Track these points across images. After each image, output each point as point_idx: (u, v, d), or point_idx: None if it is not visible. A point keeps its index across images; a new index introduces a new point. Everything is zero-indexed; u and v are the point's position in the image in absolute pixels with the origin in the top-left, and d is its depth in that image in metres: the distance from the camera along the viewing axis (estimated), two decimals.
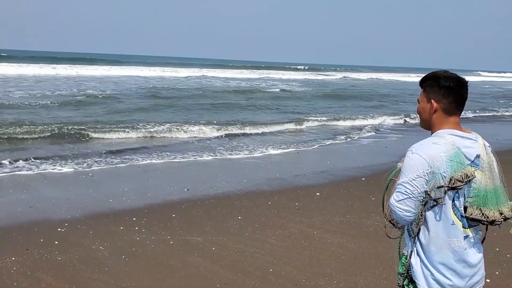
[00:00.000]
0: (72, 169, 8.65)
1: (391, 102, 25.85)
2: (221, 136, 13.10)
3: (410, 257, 2.21)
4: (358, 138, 13.76)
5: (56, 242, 5.15)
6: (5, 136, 11.27)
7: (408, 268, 2.23)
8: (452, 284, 2.11)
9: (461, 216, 2.12)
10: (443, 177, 2.05)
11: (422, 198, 2.09)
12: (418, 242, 2.17)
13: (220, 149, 11.22)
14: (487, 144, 2.20)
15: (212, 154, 10.51)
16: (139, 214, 6.11)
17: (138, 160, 9.64)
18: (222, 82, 36.51)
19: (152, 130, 13.10)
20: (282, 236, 5.44)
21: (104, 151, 10.32)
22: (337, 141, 12.98)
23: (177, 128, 13.44)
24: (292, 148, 11.65)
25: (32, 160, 9.08)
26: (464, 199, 2.11)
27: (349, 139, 13.37)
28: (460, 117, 2.23)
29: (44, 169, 8.55)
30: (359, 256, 4.91)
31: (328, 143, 12.66)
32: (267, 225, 5.82)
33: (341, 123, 16.58)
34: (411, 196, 2.09)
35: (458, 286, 2.12)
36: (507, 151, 10.61)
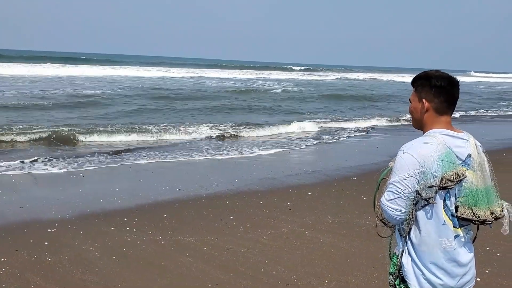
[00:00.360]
0: (63, 169, 8.58)
1: (388, 102, 25.86)
2: (215, 136, 13.02)
3: (401, 257, 2.22)
4: (349, 138, 13.80)
5: (46, 243, 5.10)
6: None
7: (400, 267, 2.23)
8: (443, 284, 2.12)
9: (452, 215, 2.12)
10: (434, 176, 2.05)
11: (413, 197, 2.09)
12: (409, 242, 2.17)
13: (212, 149, 11.21)
14: (479, 144, 2.20)
15: (204, 154, 10.49)
16: (130, 215, 6.07)
17: (129, 160, 9.60)
18: (220, 82, 36.14)
19: (146, 130, 13.02)
20: (273, 236, 5.44)
21: (95, 152, 10.26)
22: (329, 141, 13.02)
23: (173, 129, 13.39)
24: (284, 148, 11.65)
25: (22, 160, 8.99)
26: (455, 198, 2.11)
27: (341, 139, 13.41)
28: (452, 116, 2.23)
29: (34, 169, 8.48)
30: (351, 256, 4.91)
31: (320, 143, 12.69)
32: (258, 225, 5.81)
33: (335, 124, 16.42)
34: (402, 195, 2.09)
35: (449, 285, 2.13)
36: (496, 150, 10.69)
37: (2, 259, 4.65)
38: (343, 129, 15.50)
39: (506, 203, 2.19)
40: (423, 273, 2.13)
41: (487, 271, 4.53)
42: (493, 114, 22.47)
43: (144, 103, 19.86)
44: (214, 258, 4.80)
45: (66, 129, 12.42)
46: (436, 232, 2.11)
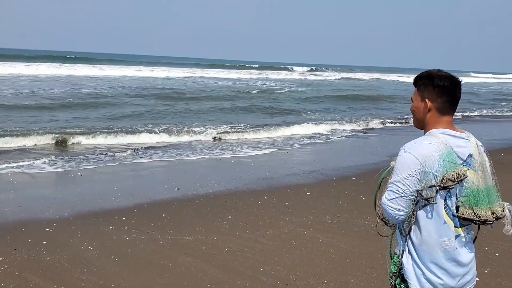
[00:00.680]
0: (61, 169, 8.56)
1: (388, 102, 25.79)
2: (216, 137, 12.90)
3: (401, 256, 2.21)
4: (348, 138, 13.81)
5: (44, 242, 5.08)
6: None
7: (400, 267, 2.22)
8: (443, 283, 2.11)
9: (453, 215, 2.12)
10: (435, 176, 2.05)
11: (413, 197, 2.09)
12: (409, 241, 2.17)
13: (210, 149, 11.20)
14: (480, 144, 2.20)
15: (202, 154, 10.49)
16: (128, 214, 6.06)
17: (127, 159, 9.59)
18: (225, 82, 35.81)
19: (150, 131, 12.85)
20: (272, 236, 5.43)
21: (94, 151, 10.24)
22: (328, 141, 13.03)
23: (175, 129, 13.28)
24: (282, 148, 11.66)
25: (20, 159, 8.97)
26: (456, 198, 2.11)
27: (339, 139, 13.42)
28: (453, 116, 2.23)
29: (32, 169, 8.46)
30: (350, 256, 4.91)
31: (319, 143, 12.70)
32: (257, 224, 5.81)
33: (335, 124, 16.12)
34: (402, 195, 2.08)
35: (449, 285, 2.12)
36: (494, 150, 10.70)
37: (1, 258, 4.63)
38: (343, 129, 15.42)
39: (507, 203, 2.19)
40: (423, 273, 2.13)
41: (486, 271, 4.53)
42: (492, 114, 22.49)
43: (152, 103, 19.67)
44: (213, 258, 4.80)
45: (67, 128, 12.39)
46: (436, 231, 2.11)
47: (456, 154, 2.09)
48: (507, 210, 2.17)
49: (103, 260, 4.69)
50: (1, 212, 6.05)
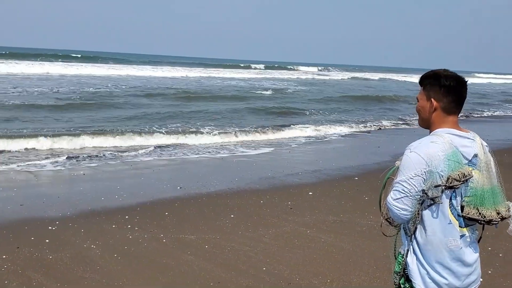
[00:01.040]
0: (64, 167, 8.57)
1: (392, 102, 25.61)
2: (219, 137, 12.79)
3: (406, 256, 2.21)
4: (350, 138, 13.80)
5: (47, 241, 5.09)
6: None
7: (405, 266, 2.22)
8: (448, 283, 2.11)
9: (458, 215, 2.11)
10: (441, 176, 2.05)
11: (419, 196, 2.09)
12: (414, 241, 2.17)
13: (213, 148, 11.21)
14: (485, 144, 2.20)
15: (204, 153, 10.50)
16: (131, 212, 6.06)
17: (130, 158, 9.60)
18: (232, 82, 35.64)
19: (158, 131, 12.73)
20: (275, 235, 5.43)
21: (96, 151, 10.25)
22: (330, 141, 13.02)
23: (181, 129, 13.22)
24: (284, 147, 11.65)
25: (23, 157, 8.98)
26: (461, 198, 2.11)
27: (342, 139, 13.41)
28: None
29: (35, 167, 8.47)
30: (353, 255, 4.90)
31: (321, 142, 12.69)
32: (260, 223, 5.81)
33: (340, 125, 16.08)
34: (408, 194, 2.08)
35: (454, 285, 2.12)
36: (497, 151, 10.65)
37: (4, 256, 4.64)
38: (346, 129, 15.36)
39: None
40: (428, 273, 2.13)
41: (490, 272, 4.52)
42: (500, 114, 22.45)
43: (166, 103, 19.54)
44: (215, 257, 4.80)
45: (71, 128, 12.34)
46: (442, 231, 2.10)
47: (462, 154, 2.09)
48: None
49: (106, 258, 4.70)
50: (3, 211, 6.05)
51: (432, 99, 2.18)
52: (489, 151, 2.22)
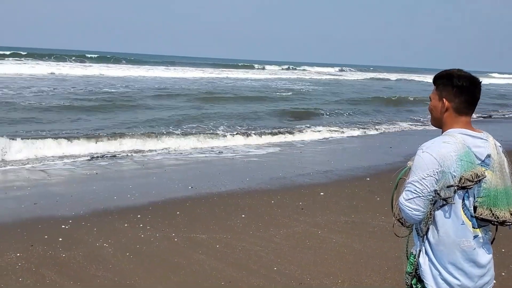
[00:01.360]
0: (77, 167, 8.66)
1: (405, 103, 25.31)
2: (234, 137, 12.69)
3: (418, 256, 2.20)
4: (361, 138, 13.74)
5: (60, 239, 5.15)
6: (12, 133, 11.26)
7: (416, 267, 2.21)
8: (461, 284, 2.10)
9: (471, 216, 2.10)
10: (453, 176, 2.04)
11: (431, 197, 2.08)
12: (426, 241, 2.16)
13: (224, 149, 11.24)
14: (498, 144, 2.18)
15: (215, 153, 10.53)
16: (143, 212, 6.11)
17: (142, 158, 9.66)
18: (248, 83, 35.63)
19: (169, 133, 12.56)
20: (286, 235, 5.43)
21: (109, 150, 10.33)
22: (342, 142, 12.97)
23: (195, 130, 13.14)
24: (295, 148, 11.64)
25: (37, 157, 9.08)
26: (474, 199, 2.10)
27: (353, 140, 13.36)
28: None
29: (48, 166, 8.57)
30: (364, 256, 4.89)
31: (333, 143, 12.65)
32: (271, 223, 5.81)
33: (351, 126, 15.97)
34: (420, 195, 2.07)
35: (467, 286, 2.11)
36: (511, 151, 10.56)
37: (18, 254, 4.70)
38: (358, 130, 15.26)
39: None
40: (440, 273, 2.12)
41: (503, 274, 4.48)
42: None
43: (188, 105, 19.40)
44: (226, 256, 4.81)
45: (89, 129, 12.34)
46: (454, 232, 2.09)
47: (474, 154, 2.08)
48: None
49: (118, 257, 4.74)
50: (17, 209, 6.13)
51: (444, 99, 2.17)
52: (502, 152, 2.20)
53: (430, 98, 2.28)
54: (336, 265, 4.65)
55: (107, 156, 9.70)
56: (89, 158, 9.43)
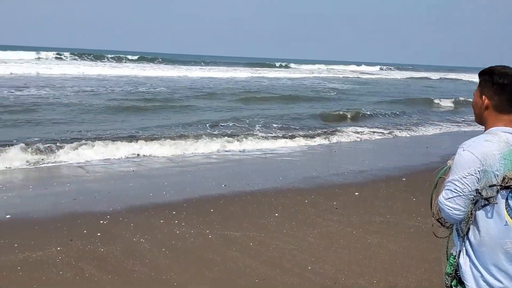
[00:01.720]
0: (113, 164, 8.86)
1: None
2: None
3: (458, 257, 2.15)
4: (397, 138, 13.51)
5: (98, 234, 5.28)
6: (53, 132, 11.61)
7: (456, 268, 2.16)
8: (503, 287, 2.04)
9: None
10: (496, 175, 1.98)
11: (472, 196, 2.03)
12: (467, 242, 2.11)
13: (258, 148, 11.27)
14: None
15: (248, 152, 10.57)
16: (178, 208, 6.20)
17: (176, 156, 9.80)
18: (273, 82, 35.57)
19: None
20: (320, 235, 5.41)
21: (141, 148, 10.51)
22: (376, 141, 12.79)
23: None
24: (331, 147, 11.55)
25: (76, 154, 9.34)
26: None
27: (388, 138, 13.15)
28: None
29: (86, 163, 8.80)
30: (400, 257, 4.81)
31: (367, 142, 12.49)
32: (304, 223, 5.79)
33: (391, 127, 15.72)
34: (461, 194, 2.03)
35: None
36: None
37: (58, 248, 4.86)
38: (397, 130, 14.96)
39: None
40: (482, 275, 2.06)
41: None
42: None
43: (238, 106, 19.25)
44: (260, 254, 4.83)
45: (124, 130, 12.41)
46: (497, 233, 2.03)
47: None
48: None
49: (155, 252, 4.83)
50: (58, 204, 6.32)
51: (484, 97, 2.12)
52: None
53: (474, 94, 2.23)
54: (371, 265, 4.60)
55: (144, 155, 9.86)
56: (125, 156, 9.62)
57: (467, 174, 2.02)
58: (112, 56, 58.32)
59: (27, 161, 8.73)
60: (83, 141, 10.15)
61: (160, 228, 5.52)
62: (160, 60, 58.97)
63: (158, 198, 6.68)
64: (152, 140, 10.95)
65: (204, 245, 5.04)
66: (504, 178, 1.98)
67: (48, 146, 9.56)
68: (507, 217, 2.03)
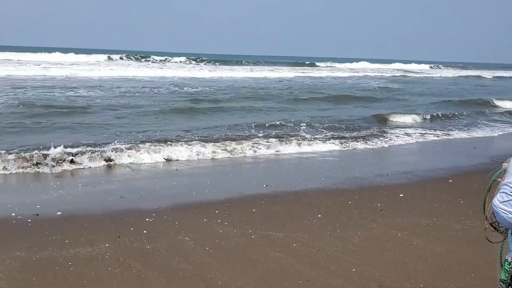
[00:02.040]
0: (157, 162, 9.06)
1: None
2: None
3: None
4: (443, 138, 13.12)
5: (144, 231, 5.41)
6: (96, 133, 11.93)
7: None
8: None
9: None
10: None
11: None
12: None
13: (300, 149, 11.22)
14: None
15: (289, 152, 10.53)
16: (221, 207, 6.27)
17: (217, 156, 9.89)
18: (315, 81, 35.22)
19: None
20: (364, 237, 5.33)
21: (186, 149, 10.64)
22: (421, 141, 12.47)
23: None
24: (373, 147, 11.36)
25: (123, 154, 9.58)
26: None
27: (434, 139, 12.79)
28: None
29: (132, 162, 9.03)
30: (447, 261, 4.68)
31: (411, 143, 12.20)
32: (348, 224, 5.73)
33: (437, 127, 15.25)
34: None
35: None
36: None
37: (107, 245, 5.01)
38: (443, 131, 14.45)
39: None
40: None
41: None
42: None
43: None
44: (303, 255, 4.81)
45: (161, 132, 12.43)
46: None
47: None
48: None
49: (199, 251, 4.90)
50: (106, 202, 6.52)
51: None
52: None
53: None
54: (418, 269, 4.49)
55: (182, 154, 10.00)
56: (167, 157, 9.79)
57: None
58: (160, 58, 58.68)
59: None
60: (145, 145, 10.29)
61: (204, 226, 5.59)
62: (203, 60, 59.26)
63: (201, 197, 6.77)
64: (206, 141, 10.89)
65: (247, 245, 5.07)
66: None
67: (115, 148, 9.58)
68: None
